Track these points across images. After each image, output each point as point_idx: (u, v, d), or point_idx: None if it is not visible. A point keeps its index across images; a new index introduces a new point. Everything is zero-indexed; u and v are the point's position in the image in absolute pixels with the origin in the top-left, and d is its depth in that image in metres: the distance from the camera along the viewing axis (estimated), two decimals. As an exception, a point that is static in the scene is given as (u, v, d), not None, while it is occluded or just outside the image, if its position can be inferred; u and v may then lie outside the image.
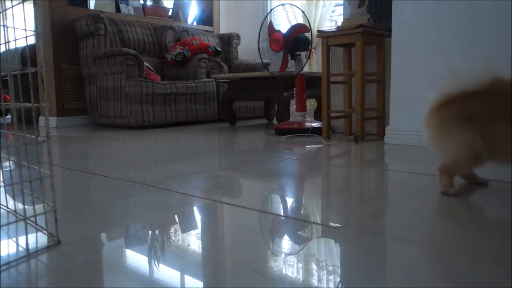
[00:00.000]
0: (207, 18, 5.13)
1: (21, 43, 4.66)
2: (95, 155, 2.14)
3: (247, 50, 4.94)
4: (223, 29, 5.26)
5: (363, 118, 2.34)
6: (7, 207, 1.00)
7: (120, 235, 0.87)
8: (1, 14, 0.81)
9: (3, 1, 0.82)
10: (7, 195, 1.17)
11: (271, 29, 2.76)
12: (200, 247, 0.79)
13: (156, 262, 0.71)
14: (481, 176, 1.28)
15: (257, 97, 3.40)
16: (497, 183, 1.26)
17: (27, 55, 1.43)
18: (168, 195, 1.18)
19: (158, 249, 0.78)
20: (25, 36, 0.77)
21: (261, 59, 2.81)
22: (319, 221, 0.95)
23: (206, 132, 3.07)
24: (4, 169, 1.51)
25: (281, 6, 2.82)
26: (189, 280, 0.64)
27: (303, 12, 2.76)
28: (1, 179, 1.34)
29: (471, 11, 1.90)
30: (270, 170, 1.55)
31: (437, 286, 0.61)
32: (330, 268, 0.67)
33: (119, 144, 2.52)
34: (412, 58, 2.11)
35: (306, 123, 2.71)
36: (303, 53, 2.78)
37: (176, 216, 1.01)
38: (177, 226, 0.93)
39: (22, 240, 0.80)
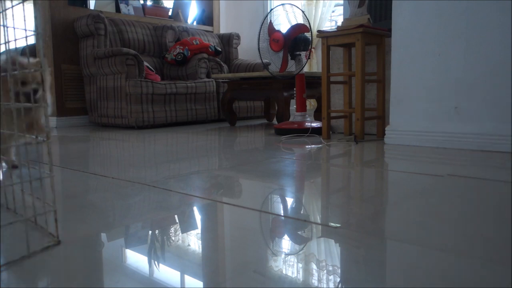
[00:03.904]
0: (207, 18, 5.13)
1: (21, 43, 4.66)
2: (95, 155, 2.14)
3: (247, 50, 4.94)
4: (223, 29, 5.26)
5: (363, 118, 2.34)
6: (7, 207, 1.00)
7: (120, 235, 0.87)
8: (1, 14, 0.81)
9: (3, 1, 0.82)
10: (7, 195, 1.17)
11: (271, 29, 2.76)
12: (200, 247, 0.79)
13: (156, 262, 0.71)
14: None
15: (257, 97, 3.40)
16: (496, 183, 1.26)
17: (27, 55, 1.45)
18: (168, 195, 1.18)
19: (158, 249, 0.78)
20: (25, 36, 0.77)
21: (261, 59, 2.81)
22: (319, 221, 0.95)
23: (206, 132, 3.07)
24: (4, 169, 1.51)
25: (281, 6, 2.82)
26: (189, 280, 0.64)
27: (303, 12, 2.76)
28: (1, 179, 1.34)
29: (471, 11, 1.90)
30: (270, 170, 1.54)
31: (437, 286, 0.61)
32: (330, 268, 0.67)
33: (119, 144, 2.52)
34: (412, 58, 2.11)
35: (306, 123, 2.71)
36: (303, 53, 2.78)
37: (176, 216, 1.01)
38: (177, 226, 0.93)
39: (22, 240, 0.80)
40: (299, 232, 0.86)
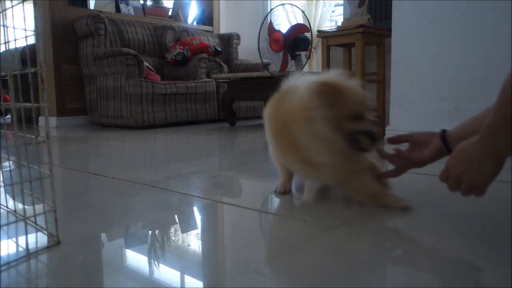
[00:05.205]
0: (207, 18, 5.13)
1: (21, 43, 4.65)
2: (95, 155, 2.14)
3: (247, 50, 4.93)
4: (223, 29, 5.26)
5: (363, 118, 2.34)
6: (7, 207, 1.00)
7: (120, 235, 0.87)
8: (1, 14, 0.81)
9: (3, 1, 0.82)
10: (7, 195, 1.17)
11: (271, 29, 2.76)
12: (200, 247, 0.79)
13: (156, 262, 0.71)
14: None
15: (257, 97, 3.40)
16: (496, 183, 1.26)
17: (27, 55, 1.43)
18: (168, 195, 1.18)
19: (158, 249, 0.78)
20: (25, 36, 0.77)
21: (261, 59, 2.81)
22: (319, 221, 0.95)
23: (206, 132, 3.07)
24: (4, 169, 1.51)
25: (281, 6, 2.82)
26: (189, 280, 0.64)
27: (303, 12, 2.76)
28: (1, 179, 1.34)
29: (471, 11, 1.90)
30: (270, 170, 1.54)
31: (437, 286, 0.61)
32: (331, 268, 0.67)
33: (119, 144, 2.53)
34: (412, 58, 2.11)
35: (306, 123, 2.70)
36: (303, 53, 2.78)
37: (176, 216, 1.01)
38: (177, 226, 0.93)
39: (22, 240, 0.80)
40: (299, 232, 0.86)
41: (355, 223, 0.91)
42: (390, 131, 2.20)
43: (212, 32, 4.99)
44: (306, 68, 4.00)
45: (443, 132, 0.96)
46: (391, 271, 0.66)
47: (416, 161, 0.98)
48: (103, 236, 0.86)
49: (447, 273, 0.64)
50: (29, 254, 0.72)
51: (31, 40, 4.26)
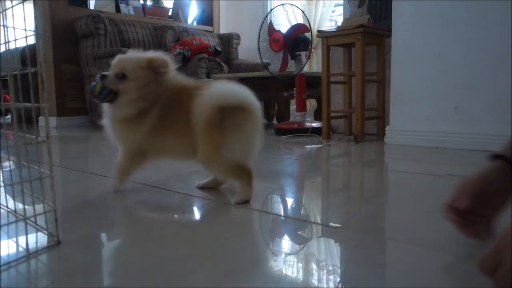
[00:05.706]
0: (207, 18, 5.13)
1: (21, 43, 4.65)
2: (95, 155, 2.14)
3: (247, 50, 4.93)
4: (223, 29, 5.26)
5: (363, 118, 2.34)
6: (7, 207, 1.00)
7: (120, 235, 0.87)
8: (1, 14, 0.81)
9: (3, 1, 0.82)
10: (7, 195, 1.17)
11: (271, 29, 2.75)
12: (200, 247, 0.79)
13: (156, 262, 0.71)
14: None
15: (257, 97, 3.40)
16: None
17: (27, 55, 1.43)
18: (168, 195, 1.18)
19: (158, 249, 0.78)
20: (25, 36, 0.77)
21: (261, 59, 2.81)
22: (319, 221, 0.95)
23: (206, 132, 3.07)
24: (4, 169, 1.51)
25: (281, 6, 2.81)
26: (189, 280, 0.64)
27: (303, 12, 2.76)
28: (1, 179, 1.34)
29: (471, 11, 1.90)
30: (270, 170, 1.54)
31: (437, 286, 0.61)
32: (330, 268, 0.67)
33: (119, 144, 2.52)
34: (412, 58, 2.11)
35: (306, 123, 2.70)
36: (303, 53, 2.77)
37: (176, 216, 1.01)
38: (177, 226, 0.93)
39: (22, 240, 0.80)
40: (299, 232, 0.86)
41: (356, 224, 0.91)
42: (390, 131, 2.20)
43: (212, 32, 4.99)
44: (306, 68, 3.99)
45: (507, 160, 0.66)
46: (391, 271, 0.66)
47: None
48: (103, 236, 0.86)
49: (446, 273, 0.64)
50: (29, 254, 0.72)
51: (31, 40, 4.25)
